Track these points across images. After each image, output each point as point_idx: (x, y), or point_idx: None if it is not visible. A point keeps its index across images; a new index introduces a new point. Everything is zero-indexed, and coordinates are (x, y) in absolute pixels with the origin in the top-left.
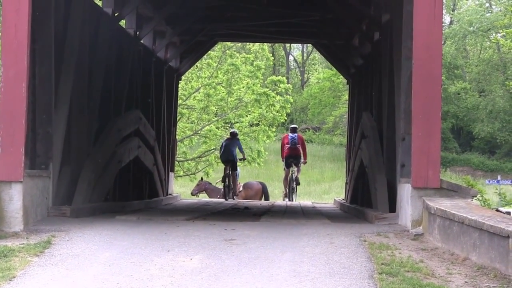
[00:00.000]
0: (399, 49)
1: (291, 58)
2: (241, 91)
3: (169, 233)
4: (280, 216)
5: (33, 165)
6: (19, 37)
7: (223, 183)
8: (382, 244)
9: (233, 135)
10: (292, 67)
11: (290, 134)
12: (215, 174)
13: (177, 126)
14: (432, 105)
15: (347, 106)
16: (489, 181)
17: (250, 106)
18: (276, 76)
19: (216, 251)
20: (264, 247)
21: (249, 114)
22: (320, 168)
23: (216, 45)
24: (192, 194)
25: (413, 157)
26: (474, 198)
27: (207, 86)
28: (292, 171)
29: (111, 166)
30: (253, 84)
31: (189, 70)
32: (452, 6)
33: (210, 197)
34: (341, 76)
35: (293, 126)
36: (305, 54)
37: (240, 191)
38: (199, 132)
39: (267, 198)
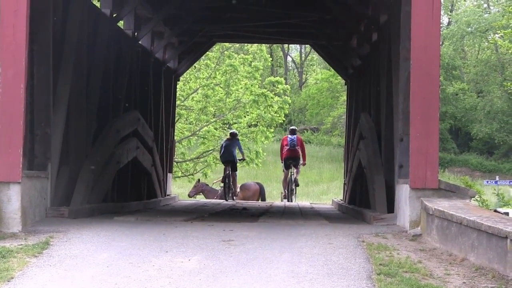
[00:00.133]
0: (397, 50)
1: (289, 59)
2: (239, 92)
3: (167, 234)
4: (279, 217)
5: (31, 166)
6: (17, 37)
7: (223, 184)
8: (380, 244)
9: (233, 135)
10: (290, 68)
11: (289, 136)
12: (213, 175)
13: (176, 127)
14: (430, 105)
15: (345, 107)
16: (487, 182)
17: (248, 107)
18: (274, 77)
19: (215, 252)
20: (263, 247)
21: (247, 115)
22: (318, 169)
23: (214, 46)
24: (189, 195)
25: (411, 157)
26: (472, 198)
27: (205, 87)
28: (291, 172)
29: (110, 167)
30: (251, 85)
31: (187, 71)
32: (450, 7)
33: (207, 198)
34: (339, 77)
35: (292, 128)
36: (303, 55)
37: (237, 192)
38: (197, 133)
39: (264, 199)
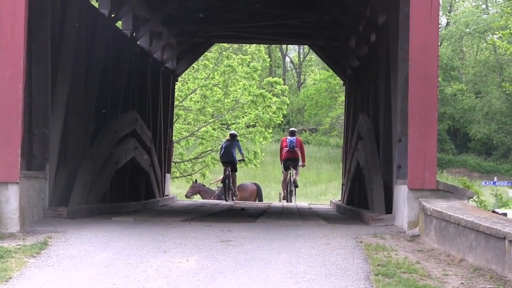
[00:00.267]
0: (396, 51)
1: (287, 59)
2: (237, 93)
3: (165, 234)
4: (277, 218)
5: (30, 166)
6: (15, 38)
7: (223, 184)
8: (379, 245)
9: (233, 136)
10: (288, 68)
11: (289, 138)
12: (212, 176)
13: (174, 127)
14: (429, 106)
15: (344, 107)
16: (485, 183)
17: (246, 108)
18: (273, 78)
19: (213, 252)
20: (261, 248)
21: (246, 116)
22: (316, 170)
23: (212, 47)
24: (187, 196)
25: (410, 158)
26: (471, 199)
27: (203, 87)
28: (290, 173)
29: (108, 167)
30: (250, 86)
31: (186, 71)
32: (448, 8)
33: (203, 199)
34: (338, 78)
35: (291, 129)
36: (301, 56)
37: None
38: (195, 133)
39: (261, 199)
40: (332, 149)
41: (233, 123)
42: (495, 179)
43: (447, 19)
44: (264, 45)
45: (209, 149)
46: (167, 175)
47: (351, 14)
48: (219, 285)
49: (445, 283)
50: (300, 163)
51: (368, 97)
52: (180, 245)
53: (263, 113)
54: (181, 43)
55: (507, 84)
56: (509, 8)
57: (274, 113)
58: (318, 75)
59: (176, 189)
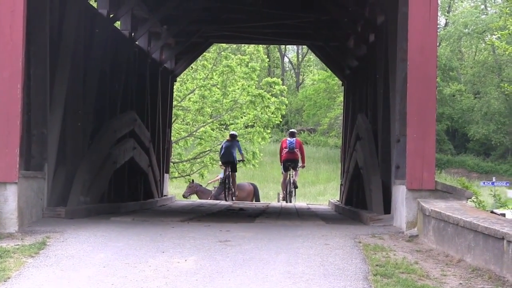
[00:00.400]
0: (394, 51)
1: (286, 59)
2: (236, 93)
3: (164, 234)
4: (275, 218)
5: (28, 166)
6: (14, 38)
7: (223, 184)
8: (377, 245)
9: (233, 137)
10: (287, 68)
11: (288, 139)
12: (210, 176)
13: (172, 128)
14: (427, 106)
15: (342, 107)
16: (484, 183)
17: (245, 108)
18: (271, 78)
19: (211, 252)
20: (259, 248)
21: (244, 116)
22: (315, 170)
23: (211, 47)
24: (184, 196)
25: (408, 158)
26: (469, 200)
27: (202, 88)
28: (290, 174)
29: (106, 167)
30: (248, 86)
31: (184, 72)
32: (447, 8)
33: (200, 199)
34: (336, 78)
35: (291, 130)
36: (300, 56)
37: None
38: (194, 133)
39: (258, 199)
40: (330, 149)
41: (232, 124)
42: (494, 179)
43: (446, 19)
44: (263, 45)
45: (207, 149)
46: (166, 175)
47: (350, 15)
48: (217, 285)
49: (444, 283)
50: (300, 164)
51: (366, 98)
52: (178, 245)
53: (261, 113)
54: (179, 43)
55: (505, 85)
56: (507, 9)
57: (272, 113)
58: (317, 75)
59: (175, 189)
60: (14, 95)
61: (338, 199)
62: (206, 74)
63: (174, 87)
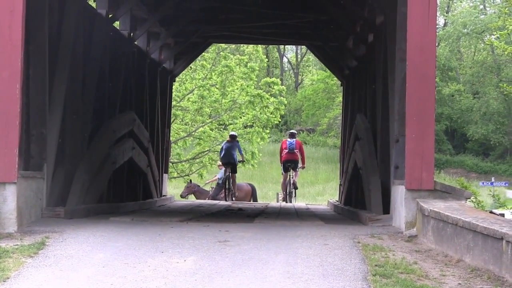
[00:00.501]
0: (393, 51)
1: (285, 59)
2: (235, 93)
3: (163, 234)
4: (274, 218)
5: (27, 166)
6: (13, 38)
7: (221, 185)
8: (376, 245)
9: (233, 137)
10: (286, 68)
11: (289, 140)
12: (209, 176)
13: (171, 128)
14: (426, 107)
15: (341, 107)
16: (483, 183)
17: (244, 108)
18: (270, 78)
19: (210, 253)
20: (258, 248)
21: (243, 116)
22: (314, 170)
23: (210, 47)
24: (182, 196)
25: (407, 158)
26: (468, 200)
27: (201, 88)
28: (290, 175)
29: (105, 167)
30: (247, 86)
31: (183, 72)
32: (446, 8)
33: (198, 199)
34: (335, 78)
35: (291, 131)
36: (299, 56)
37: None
38: (193, 133)
39: (255, 200)
40: (329, 149)
41: (231, 124)
42: (493, 179)
43: (445, 19)
44: (262, 45)
45: (206, 150)
46: (165, 176)
47: (349, 15)
48: (216, 285)
49: (443, 283)
50: (300, 165)
51: (365, 98)
52: (177, 245)
53: (260, 113)
54: (178, 43)
55: (504, 85)
56: (506, 9)
57: (271, 113)
58: (316, 76)
59: (174, 190)
60: (13, 95)
61: (337, 199)
62: (205, 74)
63: (173, 87)
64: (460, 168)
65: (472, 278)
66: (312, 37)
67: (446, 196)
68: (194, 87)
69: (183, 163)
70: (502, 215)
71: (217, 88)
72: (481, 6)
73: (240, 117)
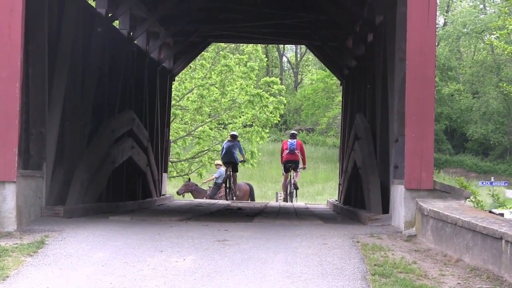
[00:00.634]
0: (393, 51)
1: (284, 59)
2: (234, 92)
3: (162, 233)
4: (273, 217)
5: (27, 165)
6: (13, 37)
7: (222, 184)
8: (375, 245)
9: (234, 137)
10: (285, 68)
11: (289, 140)
12: (208, 175)
13: (171, 127)
14: (426, 106)
15: (341, 107)
16: (482, 183)
17: (243, 107)
18: (270, 77)
19: (209, 252)
20: (257, 248)
21: (243, 115)
22: (313, 169)
23: (209, 46)
24: (178, 193)
25: (406, 158)
26: (467, 199)
27: (200, 87)
28: (290, 176)
29: (105, 166)
30: (247, 85)
31: (183, 71)
32: (446, 8)
33: (195, 198)
34: (335, 78)
35: (292, 132)
36: (298, 55)
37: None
38: (192, 133)
39: (253, 200)
40: (329, 149)
41: (230, 123)
42: (492, 179)
43: (445, 19)
44: (261, 45)
45: (206, 149)
46: (164, 175)
47: (348, 14)
48: (215, 285)
49: (442, 283)
50: (301, 165)
51: (365, 97)
52: (177, 244)
53: (260, 112)
54: (178, 42)
55: (504, 84)
56: (506, 8)
57: (271, 113)
58: (315, 75)
59: (173, 189)
60: (12, 94)
61: (337, 199)
62: (205, 74)
63: (173, 86)
64: (459, 168)
65: (471, 278)
66: (311, 37)
67: (445, 195)
68: (193, 86)
69: (182, 162)
70: (502, 214)
71: (216, 88)
72: (481, 6)
73: (240, 117)
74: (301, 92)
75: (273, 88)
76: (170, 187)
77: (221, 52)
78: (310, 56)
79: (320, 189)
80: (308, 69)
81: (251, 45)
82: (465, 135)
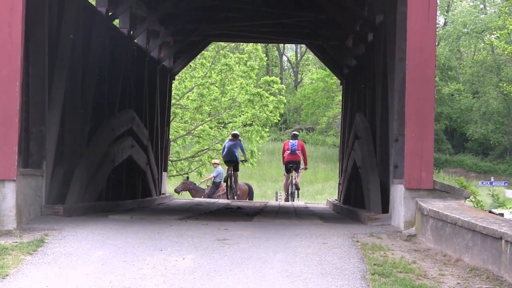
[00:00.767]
0: (393, 50)
1: (284, 58)
2: (234, 91)
3: (162, 232)
4: (273, 217)
5: (26, 164)
6: (13, 36)
7: (225, 183)
8: (375, 244)
9: (235, 136)
10: (285, 67)
11: (291, 141)
12: (208, 174)
13: (171, 126)
14: (426, 106)
15: (341, 106)
16: (482, 183)
17: (243, 106)
18: (270, 77)
19: (209, 251)
20: (257, 247)
21: (243, 114)
22: (313, 169)
23: (209, 45)
24: (176, 191)
25: (406, 158)
26: (467, 199)
27: (200, 86)
28: (292, 176)
29: (105, 165)
30: (247, 84)
31: (183, 70)
32: (446, 7)
33: (193, 197)
34: (335, 77)
35: (294, 133)
36: (298, 55)
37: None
38: (192, 132)
39: (251, 199)
40: (328, 148)
41: (230, 122)
42: (492, 179)
43: (445, 18)
44: (261, 44)
45: (205, 148)
46: (164, 174)
47: (348, 14)
48: (215, 284)
49: (442, 283)
50: (302, 166)
51: (365, 97)
52: (176, 243)
53: (260, 112)
54: (178, 41)
55: (504, 84)
56: (506, 8)
57: (271, 112)
58: (315, 74)
59: (173, 188)
60: (12, 93)
61: (336, 198)
62: (205, 73)
63: (173, 85)
64: (459, 168)
65: (470, 278)
66: (311, 36)
67: (445, 195)
68: (193, 85)
69: (182, 161)
70: (501, 214)
71: (216, 87)
72: (481, 6)
73: (240, 116)
74: (301, 91)
75: (273, 87)
76: (170, 186)
77: (221, 51)
78: (310, 55)
79: (320, 188)
80: (308, 69)
81: (251, 44)
82: (465, 135)
